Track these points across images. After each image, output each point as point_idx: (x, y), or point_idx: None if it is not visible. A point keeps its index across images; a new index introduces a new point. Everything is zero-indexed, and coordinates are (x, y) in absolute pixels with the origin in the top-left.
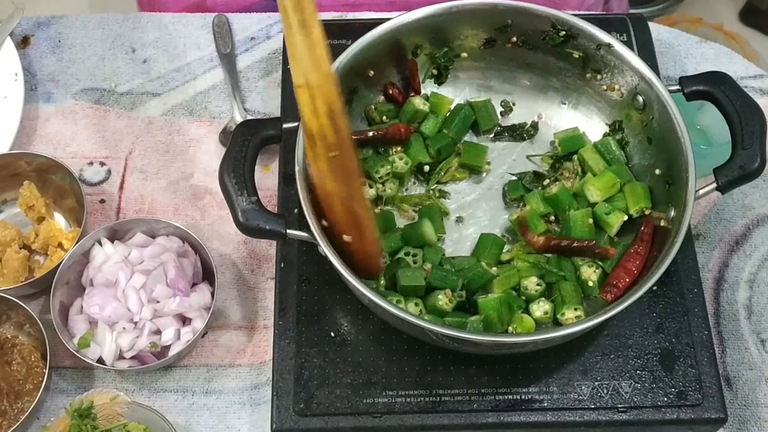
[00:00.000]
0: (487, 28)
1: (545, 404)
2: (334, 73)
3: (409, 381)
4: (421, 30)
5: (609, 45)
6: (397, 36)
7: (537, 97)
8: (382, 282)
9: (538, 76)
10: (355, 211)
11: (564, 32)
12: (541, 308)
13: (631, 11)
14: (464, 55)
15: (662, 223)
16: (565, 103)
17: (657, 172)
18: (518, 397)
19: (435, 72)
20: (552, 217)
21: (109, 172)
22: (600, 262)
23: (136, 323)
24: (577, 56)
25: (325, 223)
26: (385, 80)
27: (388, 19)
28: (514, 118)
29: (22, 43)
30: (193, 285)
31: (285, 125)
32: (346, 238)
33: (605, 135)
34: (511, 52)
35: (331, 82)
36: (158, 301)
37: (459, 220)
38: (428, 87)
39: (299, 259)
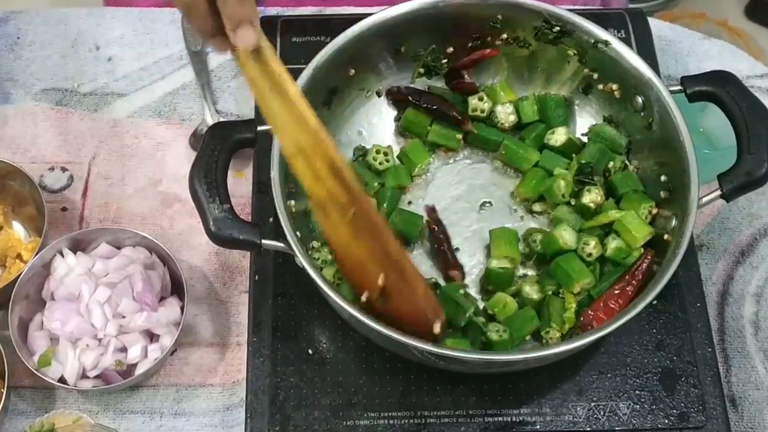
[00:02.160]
0: (476, 24)
1: (537, 427)
2: (321, 126)
3: (392, 402)
4: (406, 26)
5: (606, 42)
6: (380, 32)
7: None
8: None
9: (531, 74)
10: (397, 265)
11: (558, 28)
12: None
13: (630, 6)
14: (450, 50)
15: (665, 236)
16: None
17: (657, 178)
18: (509, 419)
19: (423, 70)
20: None
21: (71, 178)
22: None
23: (100, 340)
24: (572, 54)
25: (364, 298)
26: (371, 80)
27: (371, 14)
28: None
29: None
30: (162, 299)
31: (260, 128)
32: (399, 305)
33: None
34: (501, 50)
35: (322, 136)
36: (124, 317)
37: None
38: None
39: (275, 272)
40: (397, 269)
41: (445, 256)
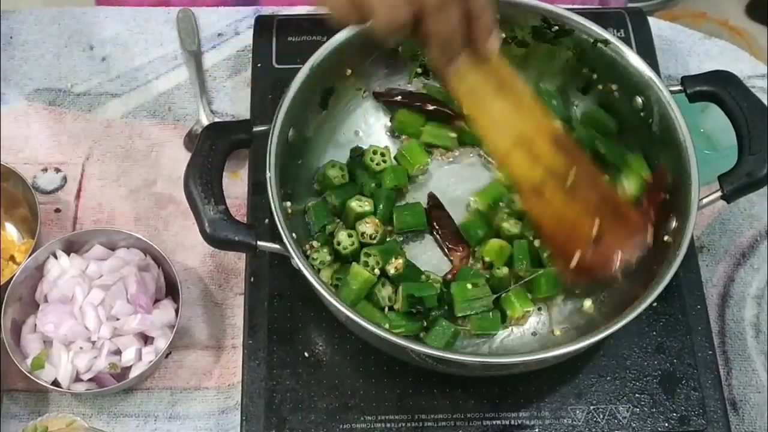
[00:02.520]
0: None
1: (536, 430)
2: (546, 112)
3: (389, 405)
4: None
5: (605, 41)
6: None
7: None
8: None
9: (527, 75)
10: (611, 200)
11: (556, 27)
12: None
13: (630, 5)
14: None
15: (665, 238)
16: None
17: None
18: (507, 422)
19: (420, 70)
20: None
21: (64, 179)
22: None
23: (94, 343)
24: (571, 53)
25: (574, 263)
26: (367, 80)
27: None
28: None
29: None
30: (156, 301)
31: (255, 128)
32: (614, 240)
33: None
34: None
35: (543, 113)
36: (118, 319)
37: None
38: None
39: (271, 273)
40: (613, 206)
41: (449, 237)
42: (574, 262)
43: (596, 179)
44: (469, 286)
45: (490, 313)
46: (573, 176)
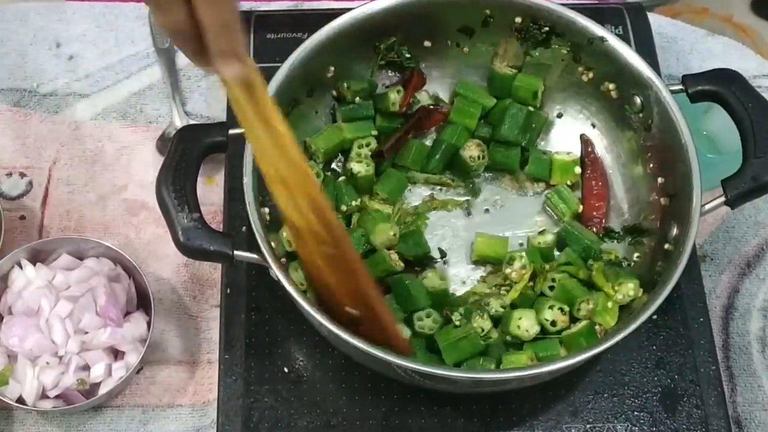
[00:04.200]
0: (465, 20)
1: None
2: (305, 161)
3: (374, 424)
4: (390, 21)
5: (602, 39)
6: (361, 28)
7: None
8: None
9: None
10: (368, 304)
11: (550, 24)
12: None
13: (628, 0)
14: (427, 44)
15: (665, 246)
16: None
17: (657, 182)
18: None
19: (383, 63)
20: None
21: (30, 184)
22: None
23: (61, 357)
24: (565, 52)
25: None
26: (351, 79)
27: (351, 9)
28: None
29: None
30: (127, 314)
31: (231, 131)
32: (351, 311)
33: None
34: (490, 48)
35: (309, 178)
36: (87, 332)
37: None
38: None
39: (248, 285)
40: (368, 308)
41: None
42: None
43: (356, 273)
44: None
45: (481, 359)
46: (332, 252)
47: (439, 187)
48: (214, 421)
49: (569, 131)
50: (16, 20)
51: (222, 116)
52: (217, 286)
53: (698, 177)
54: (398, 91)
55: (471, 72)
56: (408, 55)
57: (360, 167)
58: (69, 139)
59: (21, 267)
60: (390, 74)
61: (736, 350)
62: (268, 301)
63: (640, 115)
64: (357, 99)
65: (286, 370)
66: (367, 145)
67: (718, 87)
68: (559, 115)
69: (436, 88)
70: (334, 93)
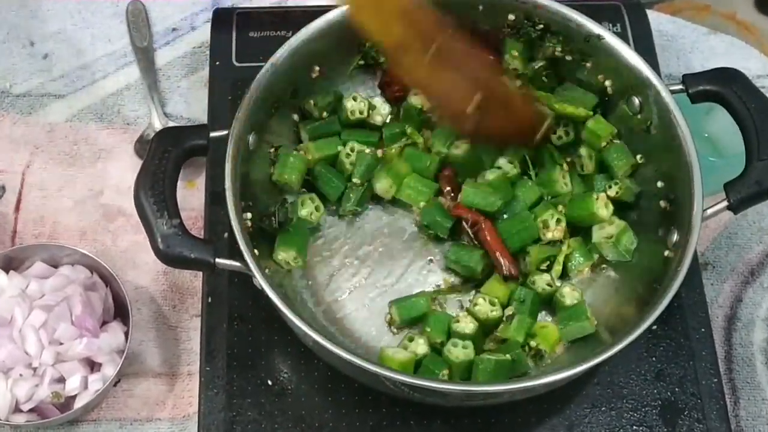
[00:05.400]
0: (455, 16)
1: None
2: None
3: None
4: None
5: (599, 37)
6: (348, 26)
7: None
8: None
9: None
10: (489, 85)
11: (545, 22)
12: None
13: None
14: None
15: (665, 253)
16: None
17: (657, 186)
18: None
19: (362, 62)
20: None
21: (2, 188)
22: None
23: (35, 369)
24: (559, 51)
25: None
26: (337, 79)
27: (337, 6)
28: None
29: None
30: (103, 324)
31: (213, 134)
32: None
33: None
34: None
35: None
36: (62, 343)
37: None
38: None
39: (230, 293)
40: (489, 89)
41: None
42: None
43: (467, 55)
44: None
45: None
46: (433, 50)
47: None
48: None
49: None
50: None
51: (203, 118)
52: (197, 294)
53: (699, 181)
54: (354, 98)
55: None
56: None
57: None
58: (43, 142)
59: None
60: (367, 77)
61: (739, 362)
62: (251, 310)
63: (639, 116)
64: (324, 114)
65: (269, 382)
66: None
67: (720, 87)
68: None
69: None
70: (295, 116)
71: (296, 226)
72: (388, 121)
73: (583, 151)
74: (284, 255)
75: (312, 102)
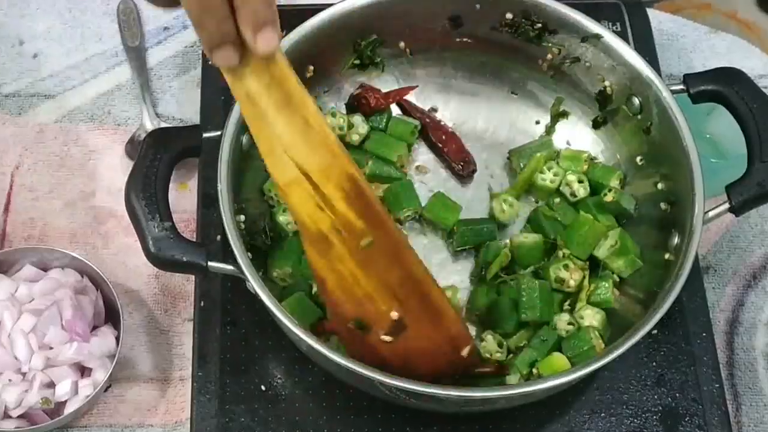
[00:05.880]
0: (451, 15)
1: None
2: (339, 142)
3: None
4: (373, 17)
5: (598, 36)
6: (343, 25)
7: (505, 108)
8: None
9: (507, 79)
10: (420, 289)
11: (543, 20)
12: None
13: None
14: (402, 44)
15: (666, 256)
16: (539, 122)
17: (657, 188)
18: None
19: (357, 62)
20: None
21: None
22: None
23: (24, 374)
24: (556, 50)
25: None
26: (332, 79)
27: (331, 5)
28: (475, 140)
29: None
30: (94, 328)
31: (205, 134)
32: (418, 337)
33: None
34: (475, 46)
35: (341, 152)
36: (51, 348)
37: None
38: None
39: (223, 297)
40: (419, 294)
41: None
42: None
43: (403, 254)
44: None
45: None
46: (368, 241)
47: None
48: None
49: (570, 130)
50: None
51: (195, 118)
52: (190, 298)
53: (701, 183)
54: (333, 114)
55: (459, 67)
56: (389, 50)
57: None
58: (33, 143)
59: None
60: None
61: (740, 367)
62: (244, 314)
63: (639, 116)
64: None
65: (263, 387)
66: None
67: (722, 87)
68: (564, 113)
69: (424, 87)
70: None
71: (290, 243)
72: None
73: (570, 177)
74: (279, 272)
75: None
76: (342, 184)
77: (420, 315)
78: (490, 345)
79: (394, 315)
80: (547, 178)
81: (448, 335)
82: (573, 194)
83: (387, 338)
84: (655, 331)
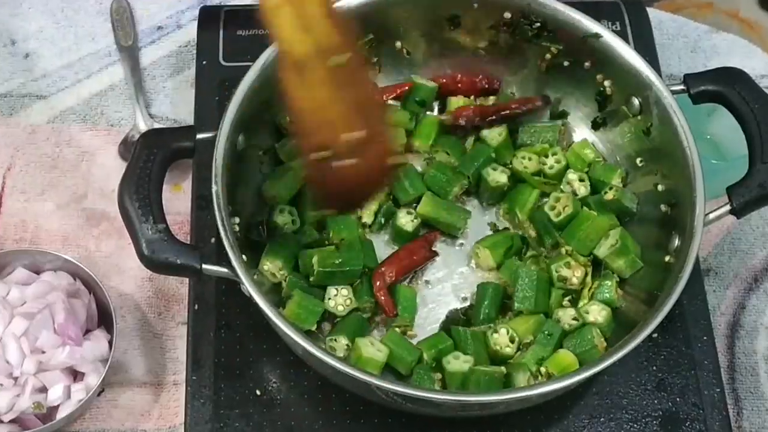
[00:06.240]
0: (447, 13)
1: None
2: None
3: None
4: (370, 16)
5: (597, 35)
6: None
7: None
8: None
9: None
10: (378, 112)
11: (542, 20)
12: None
13: None
14: (398, 44)
15: (666, 259)
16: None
17: (658, 189)
18: None
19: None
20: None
21: None
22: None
23: (16, 379)
24: (555, 50)
25: (318, 155)
26: None
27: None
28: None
29: None
30: (87, 332)
31: (199, 135)
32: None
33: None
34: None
35: None
36: (44, 352)
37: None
38: None
39: (217, 300)
40: (376, 118)
41: None
42: (317, 155)
43: (365, 75)
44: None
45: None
46: (345, 57)
47: None
48: None
49: (569, 131)
50: None
51: (189, 119)
52: (183, 301)
53: (701, 184)
54: None
55: (457, 67)
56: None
57: None
58: (25, 144)
59: None
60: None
61: (742, 371)
62: (238, 318)
63: (639, 117)
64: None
65: (258, 392)
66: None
67: (723, 87)
68: (563, 114)
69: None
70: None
71: (287, 237)
72: None
73: (571, 175)
74: (269, 265)
75: (288, 118)
76: (325, 4)
77: (374, 138)
78: (502, 339)
79: (353, 136)
80: (548, 163)
81: (390, 150)
82: (574, 193)
83: (347, 162)
84: (655, 335)
